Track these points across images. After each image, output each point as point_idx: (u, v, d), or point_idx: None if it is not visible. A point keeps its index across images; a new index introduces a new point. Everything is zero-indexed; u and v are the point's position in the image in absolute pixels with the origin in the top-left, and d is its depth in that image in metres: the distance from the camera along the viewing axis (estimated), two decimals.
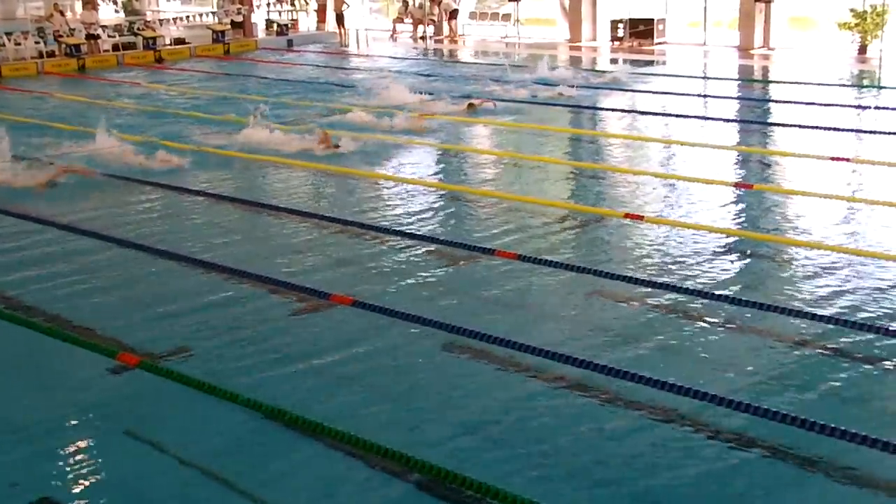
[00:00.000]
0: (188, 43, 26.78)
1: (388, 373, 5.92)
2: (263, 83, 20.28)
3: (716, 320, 6.54)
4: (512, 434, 5.10)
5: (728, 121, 14.67)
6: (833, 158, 11.23)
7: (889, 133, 12.85)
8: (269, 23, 30.35)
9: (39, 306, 7.18)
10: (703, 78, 19.50)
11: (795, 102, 15.60)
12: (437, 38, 29.65)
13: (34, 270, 8.06)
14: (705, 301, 6.85)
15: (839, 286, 7.08)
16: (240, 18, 28.21)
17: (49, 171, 11.04)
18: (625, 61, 22.81)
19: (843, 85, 17.98)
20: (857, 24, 21.48)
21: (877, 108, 15.14)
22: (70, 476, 4.81)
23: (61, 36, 24.49)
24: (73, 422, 5.40)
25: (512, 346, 6.04)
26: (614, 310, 6.89)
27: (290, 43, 28.44)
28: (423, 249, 8.38)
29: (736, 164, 11.91)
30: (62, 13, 26.48)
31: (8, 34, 23.74)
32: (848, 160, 11.22)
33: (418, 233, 8.82)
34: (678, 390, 5.36)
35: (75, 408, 5.56)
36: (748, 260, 7.96)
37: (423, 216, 9.48)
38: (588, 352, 5.97)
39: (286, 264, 8.03)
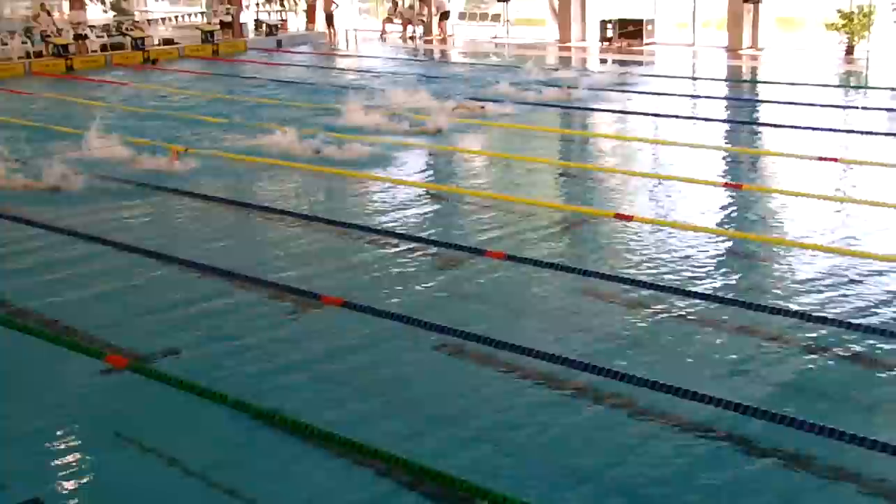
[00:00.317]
0: (177, 43, 26.71)
1: (379, 374, 5.92)
2: (266, 85, 20.18)
3: (706, 320, 6.57)
4: (501, 434, 5.10)
5: (718, 121, 14.72)
6: (821, 158, 11.29)
7: (876, 133, 12.93)
8: (258, 23, 30.29)
9: (28, 308, 7.15)
10: (710, 80, 19.49)
11: (783, 103, 15.68)
12: (426, 38, 29.65)
13: (25, 272, 8.04)
14: (695, 301, 6.88)
15: (827, 286, 7.11)
16: (229, 19, 28.15)
17: (52, 175, 10.77)
18: (627, 62, 22.83)
19: (831, 85, 18.07)
20: (844, 25, 21.59)
21: (864, 108, 15.22)
22: (59, 478, 4.79)
23: (49, 36, 24.38)
24: (62, 424, 5.37)
25: (501, 347, 6.05)
26: (605, 309, 6.91)
27: (279, 43, 28.39)
28: (414, 250, 8.38)
29: (725, 164, 11.96)
30: (49, 13, 26.36)
31: None
32: (835, 160, 11.28)
33: (409, 233, 8.82)
34: (668, 389, 5.38)
35: (64, 410, 5.54)
36: (737, 259, 7.99)
37: (414, 217, 9.48)
38: (579, 352, 5.98)
39: (276, 265, 8.02)
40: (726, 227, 8.94)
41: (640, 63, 22.39)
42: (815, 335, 6.23)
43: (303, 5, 32.65)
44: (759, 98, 17.10)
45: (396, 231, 8.90)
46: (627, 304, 6.93)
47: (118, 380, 5.91)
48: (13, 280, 7.88)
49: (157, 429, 5.29)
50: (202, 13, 30.57)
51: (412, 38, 29.69)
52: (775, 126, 13.83)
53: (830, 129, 13.25)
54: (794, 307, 6.65)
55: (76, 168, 11.13)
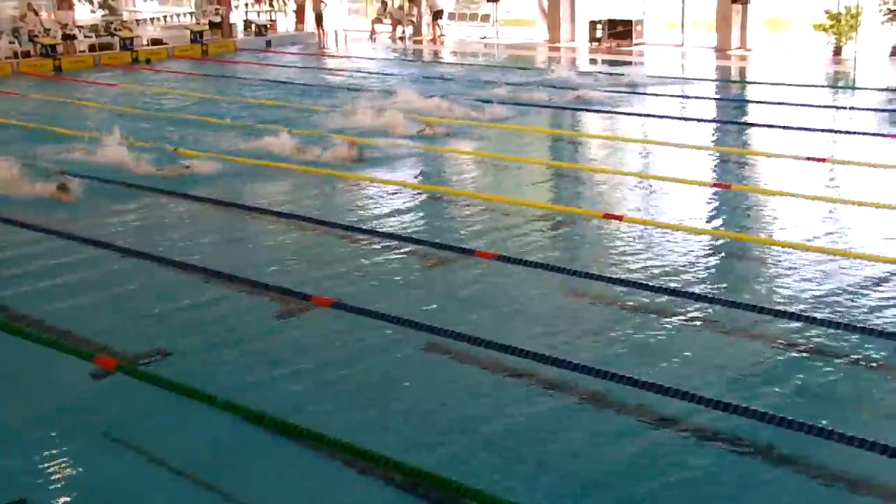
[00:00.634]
0: (166, 43, 26.63)
1: (369, 374, 5.92)
2: (260, 85, 20.13)
3: (694, 319, 6.59)
4: (492, 434, 5.11)
5: (707, 121, 14.76)
6: (809, 159, 11.34)
7: (863, 133, 13.00)
8: (247, 23, 30.22)
9: (17, 310, 7.12)
10: (699, 80, 19.51)
11: (772, 103, 15.74)
12: (415, 38, 29.64)
13: (17, 275, 8.01)
14: (683, 300, 6.90)
15: (816, 285, 7.15)
16: (218, 19, 28.08)
17: (56, 180, 10.56)
18: (617, 63, 22.88)
19: (819, 86, 18.14)
20: (831, 26, 21.69)
21: (851, 108, 15.30)
22: (48, 479, 4.77)
23: (36, 36, 24.28)
24: (52, 425, 5.36)
25: (492, 347, 6.06)
26: (593, 309, 6.92)
27: (268, 43, 28.34)
28: (403, 250, 8.38)
29: (715, 164, 11.99)
30: (36, 13, 26.24)
31: None
32: (824, 160, 11.34)
33: (398, 234, 8.82)
34: (657, 389, 5.40)
35: (53, 411, 5.53)
36: (726, 259, 8.03)
37: (404, 217, 9.49)
38: (568, 352, 5.99)
39: (266, 266, 8.00)
40: (715, 227, 8.98)
41: (628, 62, 22.43)
42: (802, 335, 6.25)
43: (292, 6, 32.59)
44: (748, 98, 17.16)
45: (386, 231, 8.90)
46: (618, 304, 6.95)
47: (108, 382, 5.90)
48: (4, 281, 7.84)
49: (147, 430, 5.28)
50: (191, 13, 30.47)
51: (401, 38, 29.68)
52: (764, 126, 13.89)
53: (819, 130, 13.31)
54: (781, 307, 6.68)
55: (77, 172, 10.92)
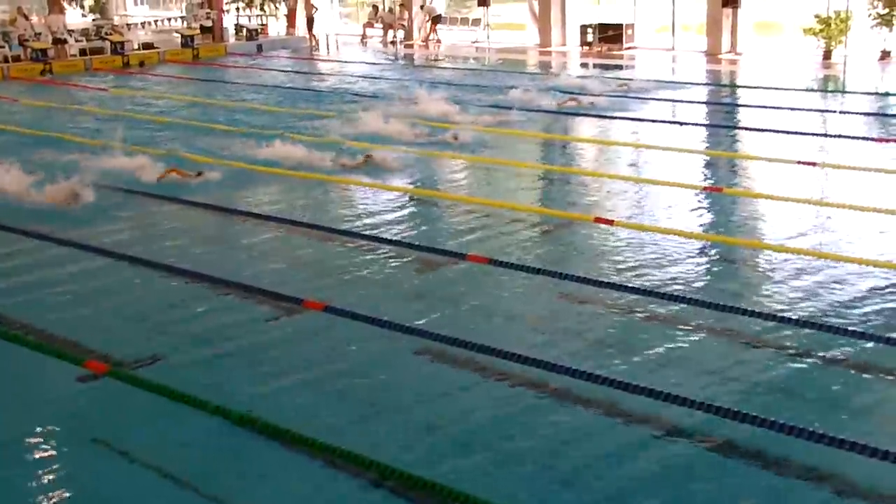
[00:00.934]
0: (157, 48, 26.58)
1: (361, 379, 5.91)
2: (257, 90, 20.09)
3: (685, 323, 6.60)
4: (484, 439, 5.10)
5: (698, 125, 14.78)
6: (800, 162, 11.38)
7: (853, 137, 13.05)
8: (238, 27, 30.19)
9: (7, 315, 7.09)
10: (690, 84, 19.58)
11: (763, 107, 15.79)
12: (407, 42, 29.65)
13: (8, 280, 7.99)
14: (677, 304, 6.91)
15: (807, 289, 7.17)
16: (209, 23, 28.04)
17: (68, 187, 10.28)
18: (609, 67, 22.92)
19: (809, 90, 18.21)
20: (821, 30, 21.77)
21: (841, 112, 15.36)
22: (38, 485, 4.75)
23: (27, 40, 24.21)
24: (41, 431, 5.34)
25: (484, 351, 6.05)
26: (585, 313, 6.93)
27: (259, 48, 28.30)
28: (396, 254, 8.38)
29: (706, 167, 12.02)
30: (27, 17, 26.17)
31: None
32: (814, 164, 11.38)
33: (390, 238, 8.82)
34: (649, 393, 5.40)
35: (43, 416, 5.50)
36: (717, 263, 8.04)
37: (396, 221, 9.49)
38: (560, 357, 5.99)
39: (258, 270, 7.99)
40: (706, 230, 9.00)
41: (619, 66, 22.48)
42: (794, 338, 6.27)
43: (283, 10, 32.57)
44: (739, 102, 17.20)
45: (378, 235, 8.90)
46: (609, 307, 6.96)
47: (98, 386, 5.87)
48: None
49: (137, 435, 5.25)
50: (182, 18, 30.41)
51: (393, 42, 29.70)
52: (755, 130, 13.93)
53: (809, 133, 13.36)
54: (773, 310, 6.69)
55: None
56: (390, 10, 31.09)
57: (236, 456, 5.02)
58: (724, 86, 19.17)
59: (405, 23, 30.04)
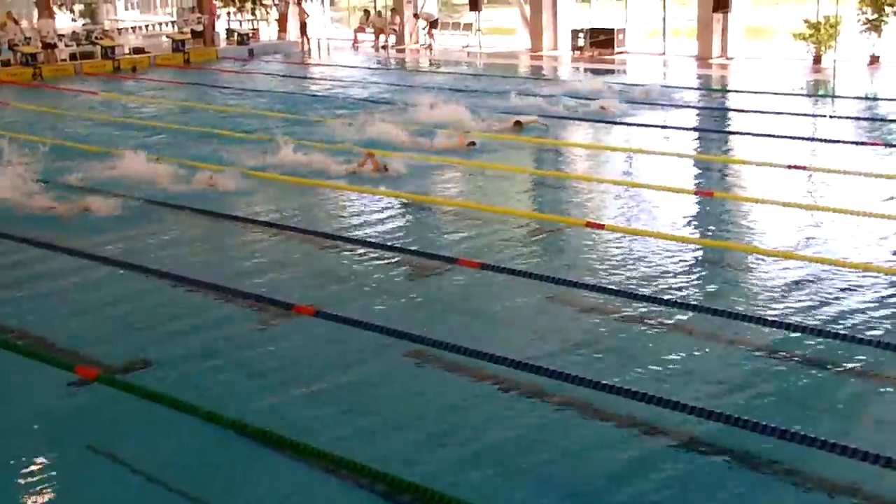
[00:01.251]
0: (148, 52, 26.54)
1: (352, 383, 5.89)
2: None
3: (678, 327, 6.61)
4: (476, 444, 5.10)
5: (688, 129, 14.81)
6: (790, 166, 11.42)
7: (843, 142, 13.10)
8: (229, 32, 30.17)
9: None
10: (681, 88, 19.64)
11: (753, 111, 15.84)
12: (398, 47, 29.66)
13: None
14: (667, 308, 6.91)
15: (796, 293, 7.18)
16: (200, 27, 28.01)
17: (80, 198, 10.23)
18: (601, 71, 22.96)
19: (799, 94, 18.28)
20: (811, 35, 21.86)
21: (831, 116, 15.42)
22: (31, 491, 4.73)
23: (16, 45, 24.14)
24: (33, 436, 5.32)
25: (476, 356, 6.05)
26: (577, 317, 6.93)
27: (251, 52, 28.28)
28: (388, 259, 8.37)
29: (696, 172, 12.05)
30: (16, 21, 26.10)
31: None
32: (804, 168, 11.42)
33: (382, 243, 8.81)
34: (641, 397, 5.40)
35: (35, 422, 5.48)
36: (707, 267, 8.05)
37: (388, 226, 9.48)
38: (551, 360, 5.99)
39: (249, 275, 7.97)
40: (697, 234, 9.02)
41: (611, 71, 22.53)
42: (784, 341, 6.28)
43: (274, 14, 32.56)
44: (729, 107, 17.24)
45: (370, 240, 8.89)
46: (603, 312, 6.96)
47: (89, 392, 5.84)
48: None
49: (129, 441, 5.23)
50: (173, 22, 30.38)
51: (384, 47, 29.71)
52: (745, 134, 13.98)
53: (799, 138, 13.41)
54: (763, 314, 6.71)
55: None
56: (379, 13, 31.10)
57: (228, 462, 5.00)
58: (715, 90, 19.22)
59: (396, 27, 30.06)
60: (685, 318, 6.78)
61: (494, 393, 5.67)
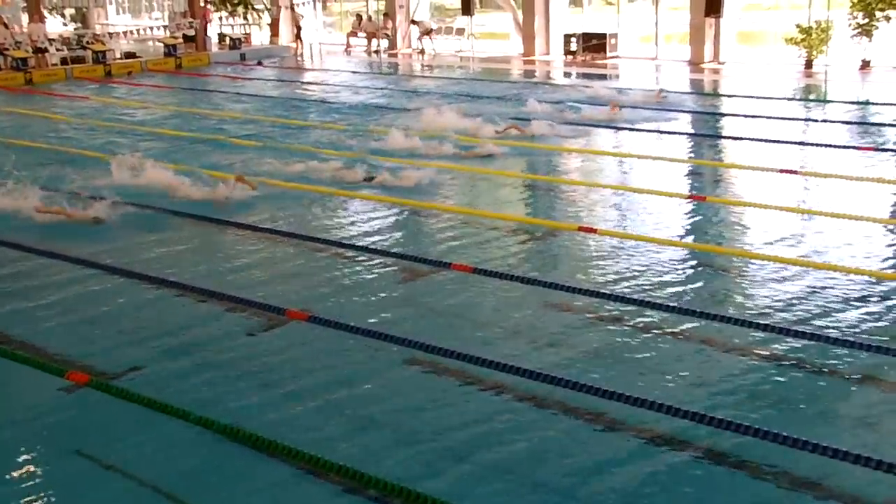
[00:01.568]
0: (139, 57, 26.48)
1: (345, 389, 5.86)
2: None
3: (670, 332, 6.59)
4: (471, 449, 5.07)
5: (682, 134, 14.82)
6: (782, 171, 11.43)
7: (835, 146, 13.13)
8: (221, 36, 30.13)
9: None
10: (673, 93, 19.67)
11: (746, 116, 15.88)
12: (390, 52, 29.67)
13: None
14: (660, 313, 6.90)
15: (789, 297, 7.18)
16: (192, 32, 27.97)
17: (93, 207, 10.01)
18: (591, 76, 22.99)
19: (791, 99, 18.33)
20: (802, 40, 21.94)
21: (823, 121, 15.46)
22: (20, 497, 4.68)
23: (7, 49, 24.06)
24: (23, 442, 5.27)
25: (470, 361, 6.02)
26: (569, 321, 6.91)
27: (242, 57, 28.27)
28: (381, 264, 8.35)
29: (689, 176, 12.05)
30: (7, 26, 26.02)
31: None
32: (797, 172, 11.44)
33: (375, 248, 8.79)
34: (634, 402, 5.38)
35: (25, 428, 5.44)
36: (700, 271, 8.04)
37: (381, 231, 9.47)
38: (545, 365, 5.97)
39: (242, 280, 7.95)
40: (690, 239, 9.01)
41: (603, 76, 22.56)
42: (777, 346, 6.28)
43: (266, 19, 32.56)
44: (722, 111, 17.27)
45: (363, 245, 8.86)
46: (594, 316, 6.94)
47: (80, 397, 5.80)
48: None
49: (121, 446, 5.19)
50: (164, 27, 30.32)
51: (376, 51, 29.72)
52: (738, 139, 14.00)
53: (791, 142, 13.44)
54: (756, 319, 6.70)
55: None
56: (370, 18, 31.12)
57: (220, 467, 4.97)
58: (708, 94, 19.26)
59: (388, 32, 30.08)
60: (690, 325, 6.76)
61: (488, 398, 5.65)
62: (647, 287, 7.45)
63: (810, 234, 9.07)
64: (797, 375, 5.86)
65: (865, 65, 21.43)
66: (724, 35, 23.95)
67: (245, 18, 32.17)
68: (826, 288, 7.33)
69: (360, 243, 8.92)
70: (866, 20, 21.31)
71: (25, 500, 4.67)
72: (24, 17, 30.65)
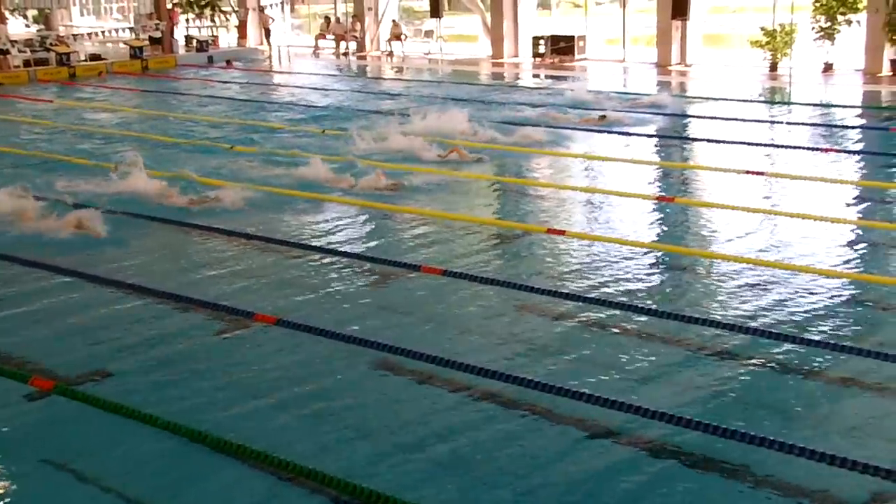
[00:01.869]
0: (104, 59, 26.18)
1: (314, 392, 5.83)
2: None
3: (638, 332, 6.64)
4: (438, 452, 5.07)
5: (649, 136, 14.93)
6: (748, 172, 11.55)
7: (799, 147, 13.30)
8: (188, 39, 29.89)
9: None
10: (640, 95, 19.83)
11: (712, 118, 16.03)
12: (359, 54, 29.61)
13: None
14: (628, 314, 6.95)
15: (754, 297, 7.26)
16: (158, 34, 27.71)
17: (74, 214, 9.64)
18: (560, 78, 23.08)
19: (756, 101, 18.54)
20: (767, 43, 22.20)
21: (788, 123, 15.65)
22: None
23: None
24: None
25: (438, 363, 6.02)
26: (539, 323, 6.93)
27: (210, 59, 28.04)
28: (350, 267, 8.33)
29: (657, 178, 12.15)
30: None
31: None
32: (762, 174, 11.57)
33: (344, 250, 8.76)
34: (602, 402, 5.41)
35: None
36: (668, 272, 8.11)
37: (350, 234, 9.45)
38: (514, 366, 5.99)
39: (209, 283, 7.88)
40: (657, 240, 9.08)
41: (566, 78, 22.65)
42: (742, 345, 6.34)
43: (234, 21, 32.35)
44: (688, 113, 17.41)
45: (332, 248, 8.84)
46: (560, 317, 6.98)
47: (45, 404, 5.72)
48: None
49: (87, 453, 5.13)
50: (130, 28, 30.03)
51: (345, 54, 29.64)
52: (704, 140, 14.13)
53: (757, 144, 13.59)
54: (722, 318, 6.76)
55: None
56: (339, 20, 31.03)
57: (188, 472, 4.92)
58: (676, 96, 19.39)
59: (357, 34, 30.01)
60: (646, 322, 6.81)
61: (460, 399, 5.65)
62: (615, 287, 7.49)
63: (774, 234, 9.17)
64: (765, 375, 5.93)
65: (828, 67, 21.73)
66: (690, 37, 24.17)
67: (212, 21, 31.93)
68: (792, 288, 7.42)
69: (329, 246, 8.90)
70: (828, 24, 21.62)
71: None
72: None
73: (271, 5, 32.43)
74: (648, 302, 7.19)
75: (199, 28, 31.80)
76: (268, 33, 29.64)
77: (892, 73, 20.71)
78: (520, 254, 8.81)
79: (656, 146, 14.28)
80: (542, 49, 26.33)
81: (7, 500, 4.71)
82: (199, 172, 11.86)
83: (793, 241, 8.79)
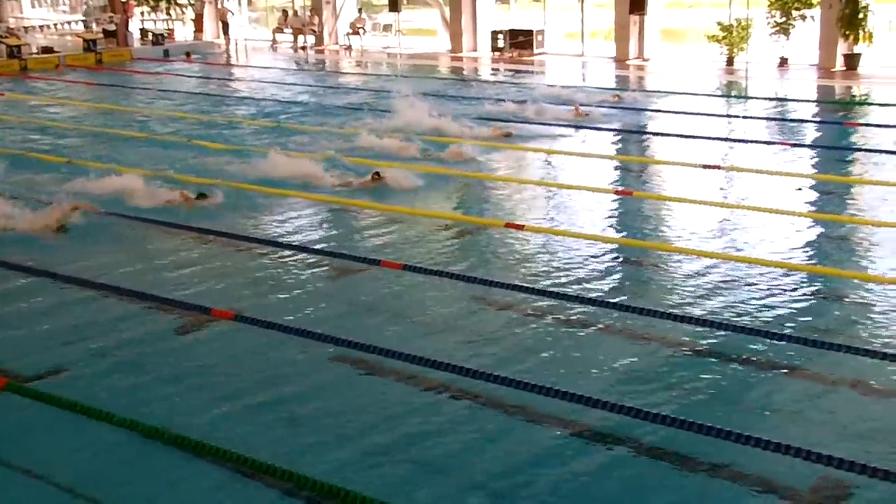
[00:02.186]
0: (57, 52, 25.72)
1: (273, 387, 5.78)
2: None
3: (595, 325, 6.67)
4: (400, 447, 5.05)
5: (609, 130, 15.00)
6: (705, 166, 11.67)
7: (755, 141, 13.46)
8: (143, 32, 29.46)
9: None
10: (598, 89, 19.92)
11: (670, 112, 16.16)
12: (317, 48, 29.40)
13: None
14: (585, 307, 6.98)
15: (711, 290, 7.33)
16: (112, 27, 27.27)
17: (56, 213, 9.36)
18: (520, 72, 23.12)
19: (713, 95, 18.73)
20: (724, 37, 22.43)
21: (744, 117, 15.83)
22: None
23: None
24: None
25: (398, 357, 6.00)
26: (498, 317, 6.94)
27: (166, 53, 27.67)
28: (309, 261, 8.27)
29: (615, 171, 12.23)
30: None
31: None
32: (719, 167, 11.69)
33: (303, 245, 8.70)
34: (562, 396, 5.43)
35: None
36: (626, 265, 8.16)
37: (309, 228, 9.38)
38: (473, 360, 5.99)
39: (165, 279, 7.78)
40: (616, 233, 9.14)
41: (529, 73, 22.72)
42: (700, 338, 6.40)
43: (191, 14, 31.95)
44: (646, 107, 17.52)
45: (291, 243, 8.76)
46: (521, 311, 6.99)
47: None
48: None
49: (41, 450, 5.05)
50: (83, 21, 29.50)
51: (303, 48, 29.42)
52: (662, 134, 14.24)
53: (713, 138, 13.73)
54: (679, 312, 6.82)
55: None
56: (296, 13, 30.78)
57: (145, 469, 4.86)
58: (633, 90, 19.53)
59: (315, 28, 29.80)
60: (604, 315, 6.85)
61: (420, 394, 5.64)
62: (572, 282, 7.53)
63: (731, 227, 9.27)
64: (719, 366, 5.99)
65: (783, 62, 22.02)
66: (648, 32, 24.36)
67: (168, 13, 31.51)
68: (747, 280, 7.51)
69: (289, 241, 8.83)
70: (784, 19, 21.91)
71: None
72: None
73: None
74: (603, 295, 7.24)
75: (154, 21, 31.35)
76: (225, 27, 29.33)
77: (845, 68, 21.06)
78: (479, 247, 8.81)
79: (613, 142, 14.32)
80: (500, 43, 26.37)
81: None
82: (160, 167, 11.69)
83: (748, 234, 8.89)
